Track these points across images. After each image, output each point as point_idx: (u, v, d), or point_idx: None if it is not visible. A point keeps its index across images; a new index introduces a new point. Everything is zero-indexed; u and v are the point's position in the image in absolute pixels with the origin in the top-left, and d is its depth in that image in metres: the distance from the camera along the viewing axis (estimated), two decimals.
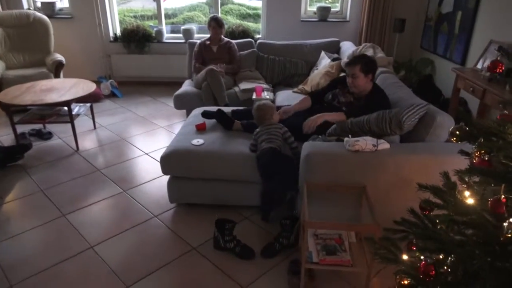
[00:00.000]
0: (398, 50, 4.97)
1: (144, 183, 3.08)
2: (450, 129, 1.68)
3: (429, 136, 2.27)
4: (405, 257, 1.42)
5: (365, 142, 2.14)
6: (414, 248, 1.73)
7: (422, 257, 1.26)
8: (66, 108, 3.57)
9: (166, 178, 2.73)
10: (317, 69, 4.12)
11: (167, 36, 5.46)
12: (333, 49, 4.37)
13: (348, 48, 4.16)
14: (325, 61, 4.08)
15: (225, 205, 2.69)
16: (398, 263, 1.40)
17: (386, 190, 2.18)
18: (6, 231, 2.49)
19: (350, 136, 2.29)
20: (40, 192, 2.94)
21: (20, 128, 3.80)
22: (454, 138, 1.68)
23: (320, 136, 2.52)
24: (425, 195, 1.59)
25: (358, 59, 2.60)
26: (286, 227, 2.29)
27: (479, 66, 3.39)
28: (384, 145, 2.16)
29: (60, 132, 3.97)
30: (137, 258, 2.28)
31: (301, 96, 3.68)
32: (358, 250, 2.08)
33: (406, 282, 1.34)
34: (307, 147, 2.20)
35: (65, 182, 3.07)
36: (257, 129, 2.59)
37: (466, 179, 1.52)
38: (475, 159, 1.39)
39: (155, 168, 3.28)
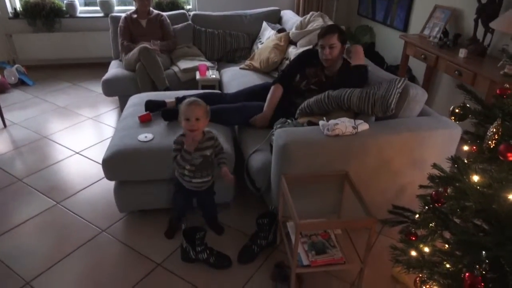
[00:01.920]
0: (336, 17, 4.84)
1: (82, 189, 2.58)
2: (451, 108, 1.54)
3: (403, 111, 2.15)
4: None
5: (345, 125, 1.93)
6: (414, 239, 1.60)
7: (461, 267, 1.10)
8: None
9: (111, 184, 2.30)
10: (260, 42, 3.82)
11: (81, 10, 4.69)
12: (274, 19, 4.08)
13: (290, 17, 3.90)
14: (268, 33, 3.78)
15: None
16: (423, 268, 1.25)
17: (368, 174, 2.02)
18: None
19: (324, 118, 2.07)
20: None
21: None
22: (453, 117, 1.54)
23: (289, 120, 2.27)
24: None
25: (334, 28, 2.34)
26: (263, 226, 2.04)
27: (426, 32, 3.36)
28: (363, 125, 1.97)
29: None
30: (91, 287, 1.88)
31: (249, 73, 3.40)
32: (345, 242, 1.92)
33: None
34: (282, 136, 1.93)
35: None
36: (182, 151, 1.88)
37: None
38: (491, 144, 1.25)
39: (92, 169, 2.78)
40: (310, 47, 3.16)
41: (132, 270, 1.97)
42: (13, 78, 4.21)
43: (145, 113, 2.48)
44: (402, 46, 3.47)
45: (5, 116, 3.48)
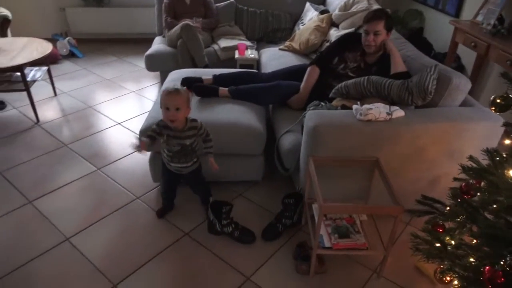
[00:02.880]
0: (383, 0, 4.64)
1: (121, 158, 2.73)
2: (491, 97, 1.46)
3: (443, 100, 2.06)
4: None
5: (378, 111, 1.89)
6: (441, 231, 1.56)
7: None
8: (19, 73, 3.06)
9: (148, 155, 2.40)
10: (302, 23, 3.76)
11: None
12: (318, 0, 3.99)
13: None
14: (311, 14, 3.71)
15: (215, 182, 2.42)
16: (444, 259, 1.22)
17: (400, 162, 1.97)
18: None
19: (358, 103, 2.03)
20: None
21: None
22: (494, 108, 1.46)
23: (322, 103, 2.24)
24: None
25: (381, 13, 2.25)
26: (289, 206, 2.07)
27: (479, 18, 3.16)
28: (398, 112, 1.92)
29: (15, 101, 3.45)
30: (122, 249, 2.00)
31: (288, 54, 3.37)
32: (370, 229, 1.91)
33: (455, 283, 1.17)
34: (313, 117, 1.93)
35: (27, 162, 2.66)
36: (165, 130, 1.87)
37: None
38: None
39: (132, 140, 2.92)
40: (353, 29, 3.08)
41: (161, 236, 2.07)
42: (64, 50, 4.45)
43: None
44: (452, 32, 3.28)
45: (56, 85, 3.70)
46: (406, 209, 1.63)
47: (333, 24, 3.37)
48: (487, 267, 1.00)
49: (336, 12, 3.32)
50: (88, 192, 2.40)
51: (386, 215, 2.12)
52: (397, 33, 2.72)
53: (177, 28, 3.45)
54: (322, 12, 3.57)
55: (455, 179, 1.57)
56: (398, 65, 2.24)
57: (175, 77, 2.82)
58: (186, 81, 2.60)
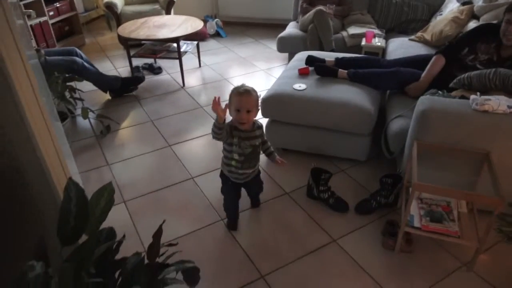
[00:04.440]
0: None
1: None
2: None
3: None
4: None
5: (498, 102, 1.82)
6: None
7: None
8: (175, 44, 3.71)
9: (264, 121, 2.72)
10: (441, 14, 3.59)
11: None
12: None
13: None
14: (452, 5, 3.52)
15: (321, 155, 2.61)
16: None
17: None
18: (120, 155, 2.77)
19: (478, 94, 1.97)
20: (150, 122, 3.18)
21: (135, 62, 4.08)
22: None
23: (440, 92, 2.22)
24: None
25: None
26: (386, 185, 2.14)
27: None
28: None
29: (169, 68, 4.18)
30: None
31: (418, 45, 3.29)
32: (468, 222, 1.86)
33: None
34: (424, 102, 1.95)
35: (171, 116, 3.27)
36: (236, 132, 1.79)
37: None
38: None
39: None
40: (494, 22, 2.86)
41: (264, 191, 2.35)
42: (212, 30, 5.11)
43: (304, 66, 2.78)
44: None
45: (201, 58, 4.33)
46: (508, 202, 1.57)
47: (474, 16, 3.16)
48: None
49: (480, 3, 3.10)
50: (213, 146, 2.84)
51: (490, 212, 2.01)
52: None
53: (310, 13, 3.69)
54: (464, 4, 3.36)
55: None
56: None
57: (301, 57, 3.06)
58: (310, 60, 2.81)
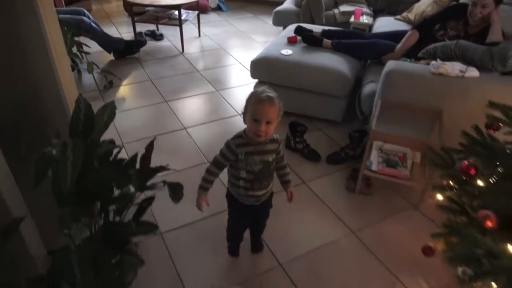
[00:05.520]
0: None
1: (234, 87, 3.40)
2: None
3: None
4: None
5: (452, 67, 2.09)
6: (474, 173, 1.76)
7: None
8: (176, 12, 3.95)
9: (254, 84, 2.99)
10: None
11: None
12: None
13: None
14: None
15: (303, 115, 2.88)
16: (448, 168, 1.47)
17: (465, 118, 2.13)
18: (122, 106, 3.05)
19: (438, 60, 2.23)
20: (149, 81, 3.44)
21: (138, 28, 4.32)
22: None
23: (408, 59, 2.48)
24: None
25: None
26: (354, 139, 2.43)
27: None
28: (473, 72, 2.08)
29: (170, 35, 4.42)
30: (218, 143, 2.57)
31: (402, 25, 3.53)
32: (419, 170, 2.15)
33: (448, 183, 1.42)
34: (390, 65, 2.22)
35: (169, 77, 3.53)
36: (243, 148, 1.47)
37: None
38: None
39: (245, 76, 3.56)
40: (465, 2, 3.11)
41: None
42: (213, 4, 5.33)
43: (293, 35, 3.04)
44: None
45: (201, 29, 4.57)
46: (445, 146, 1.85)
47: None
48: (465, 162, 1.27)
49: None
50: (206, 104, 3.12)
51: None
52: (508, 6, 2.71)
53: None
54: None
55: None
56: (494, 35, 2.32)
57: (292, 28, 3.30)
58: (298, 29, 3.07)
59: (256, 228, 1.82)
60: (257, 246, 1.88)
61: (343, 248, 1.92)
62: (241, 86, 3.41)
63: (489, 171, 1.34)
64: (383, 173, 2.10)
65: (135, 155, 1.48)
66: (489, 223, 1.08)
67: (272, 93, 1.41)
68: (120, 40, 3.76)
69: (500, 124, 1.51)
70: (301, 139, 2.49)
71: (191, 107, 3.08)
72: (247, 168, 1.49)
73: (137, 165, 1.55)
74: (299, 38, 3.02)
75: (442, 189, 1.43)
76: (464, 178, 1.30)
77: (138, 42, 3.92)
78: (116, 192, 1.46)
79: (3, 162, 1.34)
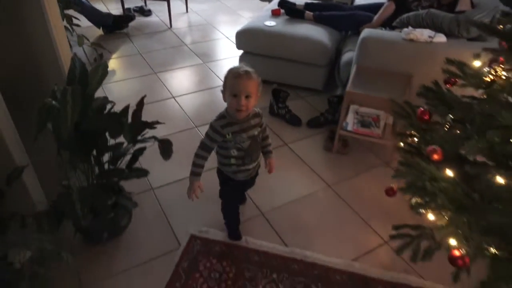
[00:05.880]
0: None
1: (221, 59, 3.52)
2: None
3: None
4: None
5: (421, 33, 2.24)
6: (427, 117, 1.93)
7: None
8: None
9: (239, 56, 3.12)
10: None
11: None
12: None
13: None
14: None
15: (287, 84, 3.02)
16: (410, 118, 1.65)
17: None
18: (112, 78, 3.16)
19: (410, 28, 2.38)
20: (138, 54, 3.55)
21: (127, 4, 4.38)
22: None
23: (383, 28, 2.63)
24: None
25: None
26: (333, 104, 2.59)
27: None
28: (440, 38, 2.24)
29: (158, 11, 4.50)
30: (206, 110, 2.79)
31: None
32: (391, 130, 2.33)
33: (410, 132, 1.60)
34: (366, 32, 2.37)
35: (158, 50, 3.64)
36: (229, 128, 1.50)
37: None
38: None
39: (232, 49, 3.67)
40: None
41: None
42: None
43: (276, 8, 3.16)
44: None
45: (189, 5, 4.65)
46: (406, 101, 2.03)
47: None
48: (420, 109, 1.44)
49: None
50: (194, 75, 3.25)
51: None
52: None
53: None
54: None
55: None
56: (463, 4, 2.48)
57: (276, 1, 3.42)
58: (282, 2, 3.19)
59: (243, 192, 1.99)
60: (241, 199, 2.04)
61: (320, 198, 2.11)
62: (228, 58, 3.54)
63: (443, 120, 1.52)
64: (357, 132, 2.27)
65: (127, 107, 1.63)
66: (435, 156, 1.25)
67: (249, 68, 1.45)
68: (109, 14, 3.84)
69: (456, 79, 1.69)
70: (283, 104, 2.65)
71: (180, 78, 3.21)
72: (237, 146, 1.54)
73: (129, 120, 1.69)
74: (282, 10, 3.15)
75: (403, 136, 1.60)
76: (420, 122, 1.47)
77: (126, 16, 4.00)
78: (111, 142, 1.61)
79: (8, 116, 1.48)
